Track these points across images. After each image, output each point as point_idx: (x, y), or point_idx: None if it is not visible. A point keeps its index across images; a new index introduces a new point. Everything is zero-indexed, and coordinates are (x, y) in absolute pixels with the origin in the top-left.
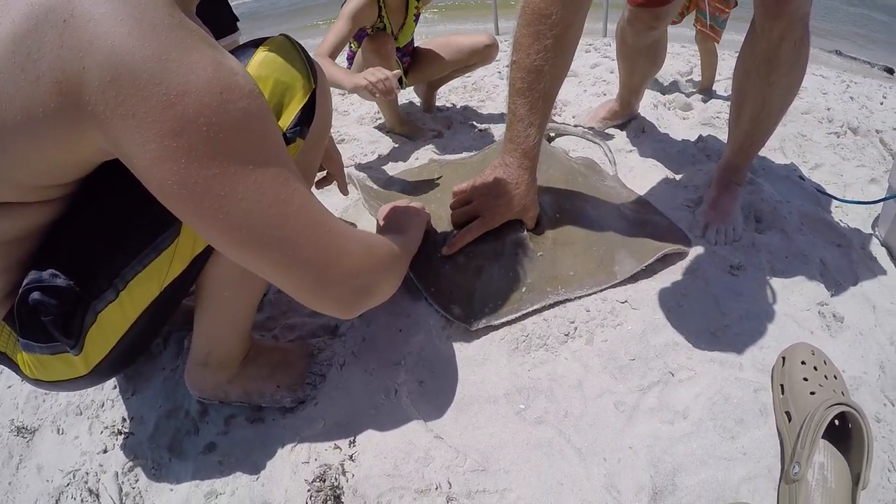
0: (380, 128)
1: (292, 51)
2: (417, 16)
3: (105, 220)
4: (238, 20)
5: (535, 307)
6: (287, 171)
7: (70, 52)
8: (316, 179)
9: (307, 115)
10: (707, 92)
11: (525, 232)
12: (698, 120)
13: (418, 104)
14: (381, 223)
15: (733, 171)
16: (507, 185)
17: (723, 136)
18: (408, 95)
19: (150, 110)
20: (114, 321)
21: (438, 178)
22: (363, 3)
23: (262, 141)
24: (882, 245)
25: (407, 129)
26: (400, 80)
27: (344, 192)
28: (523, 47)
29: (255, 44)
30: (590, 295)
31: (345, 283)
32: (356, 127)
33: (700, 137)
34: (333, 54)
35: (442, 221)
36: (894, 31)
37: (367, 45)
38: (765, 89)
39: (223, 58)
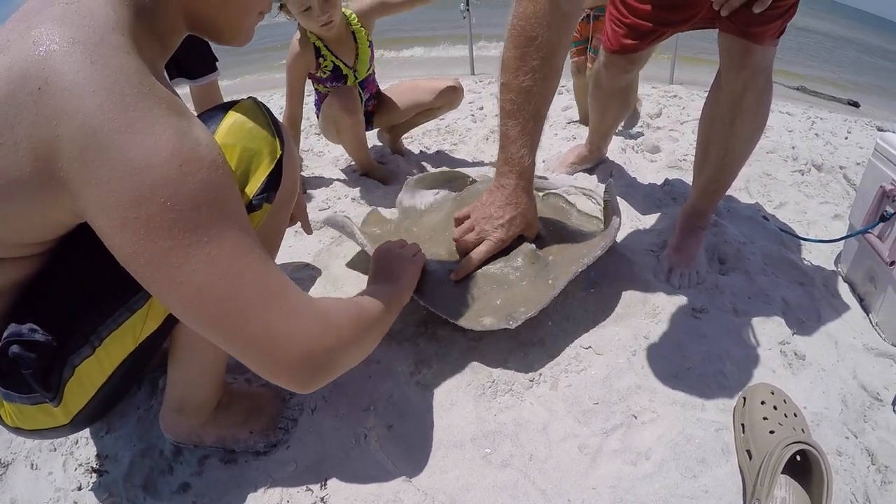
0: (353, 170)
1: (260, 116)
2: (371, 43)
3: (81, 279)
4: (217, 60)
5: (563, 286)
6: (244, 242)
7: (45, 119)
8: None
9: (274, 180)
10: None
11: (530, 243)
12: (665, 163)
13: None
14: (372, 267)
15: (697, 215)
16: (504, 209)
17: (689, 178)
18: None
19: (113, 180)
20: (91, 374)
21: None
22: (293, 54)
23: (220, 212)
24: (844, 280)
25: (380, 173)
26: (369, 122)
27: (308, 231)
28: (511, 69)
29: (225, 108)
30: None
31: (297, 362)
32: (330, 169)
33: (666, 181)
34: (293, 121)
35: (439, 251)
36: (861, 66)
37: (333, 101)
38: (728, 137)
39: (189, 127)
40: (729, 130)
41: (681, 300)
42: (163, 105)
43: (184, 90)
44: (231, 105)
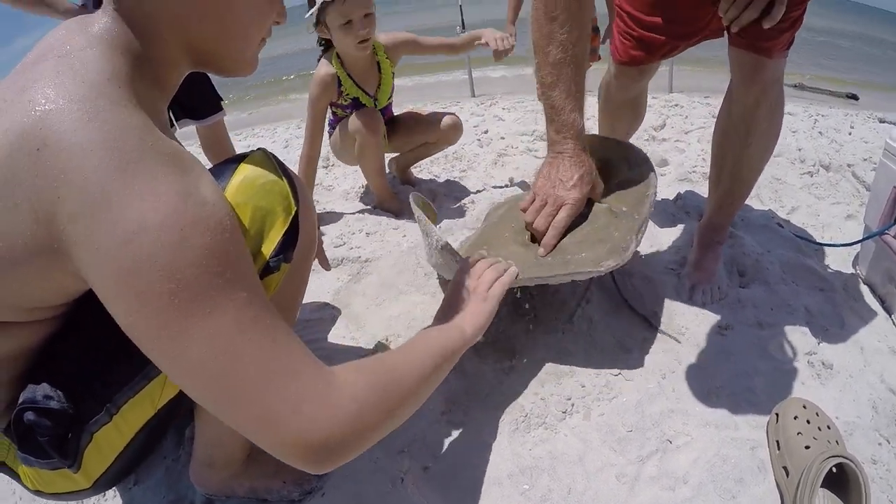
0: (365, 202)
1: (271, 169)
2: (393, 74)
3: (94, 345)
4: (222, 99)
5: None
6: (249, 313)
7: (45, 181)
8: None
9: (291, 238)
10: None
11: (601, 203)
12: (675, 175)
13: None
14: (444, 301)
15: (714, 229)
16: (571, 170)
17: (700, 189)
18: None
19: (109, 246)
20: (111, 440)
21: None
22: (317, 92)
23: (224, 280)
24: (864, 283)
25: (394, 204)
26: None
27: (326, 267)
28: (541, 48)
29: (234, 161)
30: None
31: (305, 447)
32: (341, 202)
33: (678, 195)
34: (314, 147)
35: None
36: (858, 55)
37: (357, 119)
38: (743, 150)
39: (195, 184)
40: (743, 143)
41: (705, 318)
42: (166, 161)
43: (190, 129)
44: (241, 158)
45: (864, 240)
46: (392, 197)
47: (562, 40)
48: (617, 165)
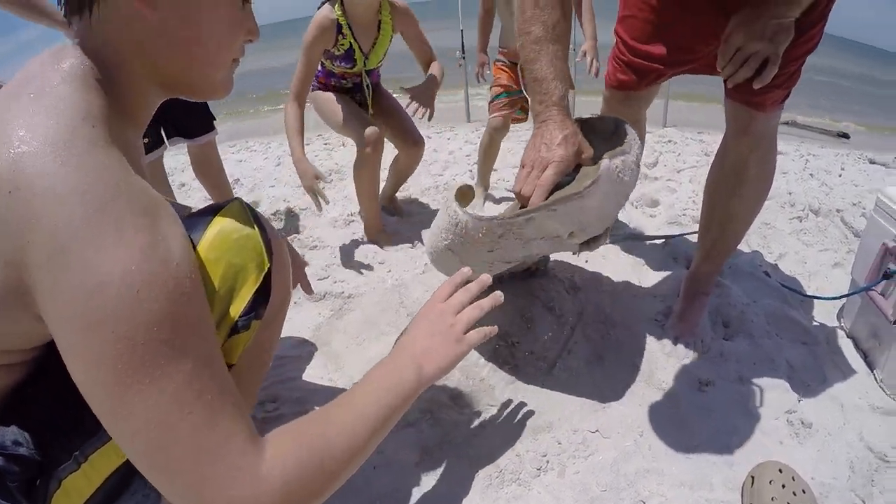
0: (353, 232)
1: (247, 222)
2: (392, 38)
3: (65, 392)
4: (215, 119)
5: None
6: (194, 384)
7: (16, 225)
8: None
9: (263, 294)
10: None
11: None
12: (665, 218)
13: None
14: (408, 331)
15: (701, 280)
16: (555, 132)
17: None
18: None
19: (69, 299)
20: (79, 487)
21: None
22: (314, 34)
23: (173, 347)
24: (848, 336)
25: (383, 237)
26: (366, 107)
27: (309, 291)
28: (524, 31)
29: (212, 211)
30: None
31: None
32: (328, 230)
33: (667, 241)
34: (302, 96)
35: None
36: (849, 93)
37: (366, 133)
38: (733, 201)
39: (162, 236)
40: (734, 194)
41: (686, 372)
42: (136, 210)
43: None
44: (217, 209)
45: (849, 295)
46: (380, 228)
47: (543, 20)
48: (604, 136)
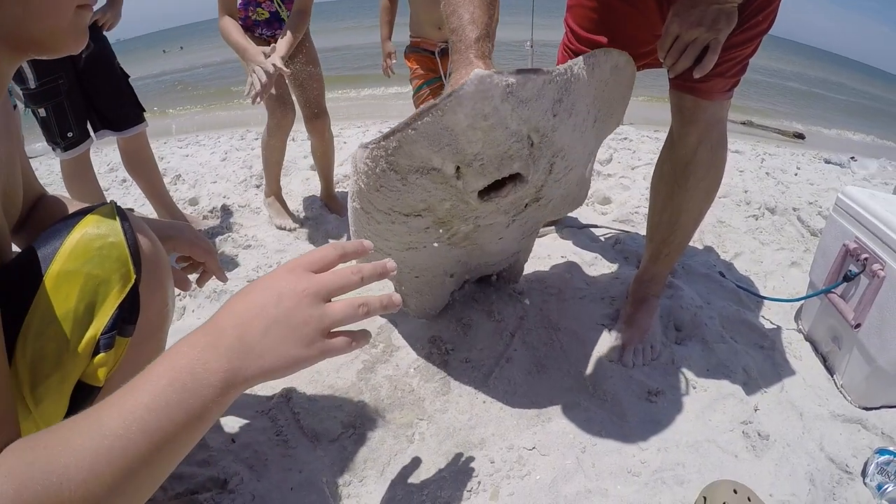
0: (291, 232)
1: (113, 230)
2: None
3: None
4: (144, 111)
5: None
6: None
7: None
8: (194, 277)
9: (129, 310)
10: None
11: None
12: (616, 215)
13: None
14: (259, 297)
15: (650, 282)
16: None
17: (642, 231)
18: (314, 188)
19: None
20: None
21: None
22: None
23: None
24: (806, 339)
25: (288, 221)
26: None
27: (223, 279)
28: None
29: (82, 212)
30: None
31: None
32: (265, 229)
33: (617, 239)
34: (231, 7)
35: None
36: (804, 95)
37: (276, 100)
38: (681, 195)
39: None
40: (682, 188)
41: (634, 382)
42: None
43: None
44: (88, 211)
45: (809, 297)
46: (285, 210)
47: None
48: None
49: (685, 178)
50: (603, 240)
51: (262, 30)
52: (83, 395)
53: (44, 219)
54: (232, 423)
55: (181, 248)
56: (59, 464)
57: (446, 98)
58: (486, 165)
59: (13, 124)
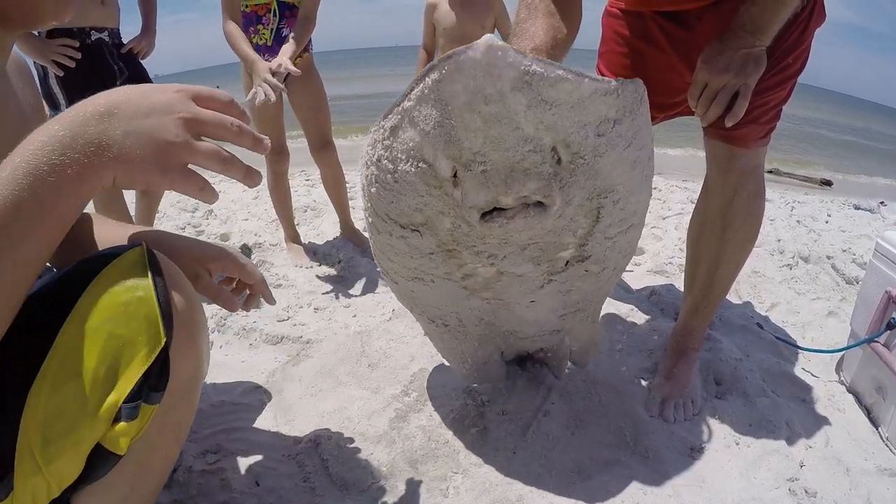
0: (320, 271)
1: (145, 284)
2: None
3: None
4: None
5: None
6: None
7: None
8: (241, 300)
9: (157, 377)
10: None
11: None
12: (650, 266)
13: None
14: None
15: (689, 335)
16: None
17: (677, 283)
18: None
19: None
20: None
21: None
22: None
23: None
24: (848, 391)
25: (301, 259)
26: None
27: (271, 301)
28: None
29: (105, 258)
30: None
31: None
32: (295, 270)
33: (653, 290)
34: (234, 12)
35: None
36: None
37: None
38: (720, 245)
39: None
40: (720, 239)
41: (676, 437)
42: None
43: None
44: (113, 256)
45: (851, 347)
46: (303, 251)
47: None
48: None
49: (722, 229)
50: (638, 291)
51: (266, 56)
52: (102, 460)
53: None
54: (257, 466)
55: (230, 270)
56: None
57: (446, 59)
58: (490, 175)
59: (36, 118)
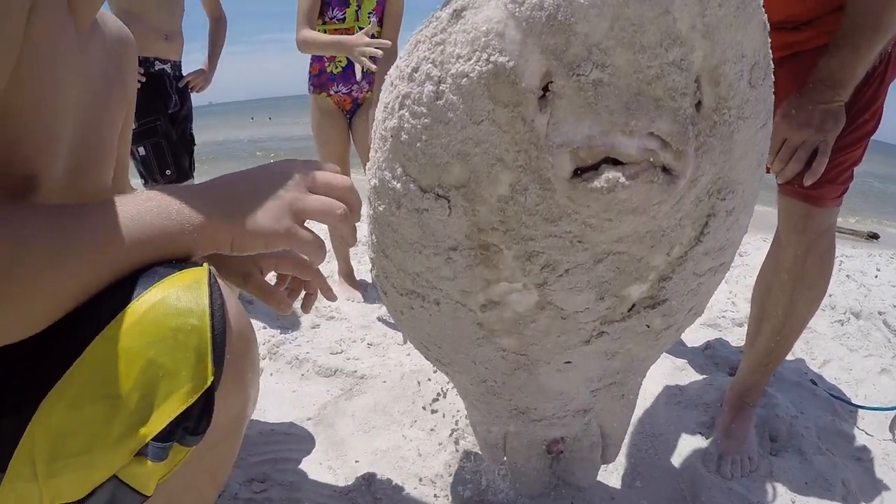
0: (374, 306)
1: (200, 311)
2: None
3: None
4: (193, 172)
5: None
6: None
7: None
8: (301, 299)
9: (197, 419)
10: None
11: None
12: (703, 320)
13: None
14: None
15: (748, 391)
16: None
17: (729, 337)
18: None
19: None
20: None
21: None
22: None
23: None
24: None
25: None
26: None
27: (332, 297)
28: None
29: (169, 268)
30: None
31: None
32: (349, 303)
33: (707, 343)
34: (311, 24)
35: None
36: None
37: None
38: (788, 304)
39: None
40: (788, 299)
41: (734, 494)
42: None
43: None
44: (175, 268)
45: None
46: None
47: None
48: None
49: (792, 288)
50: (692, 345)
51: (339, 86)
52: (124, 496)
53: None
54: (306, 500)
55: (286, 268)
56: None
57: None
58: (606, 91)
59: (123, 93)
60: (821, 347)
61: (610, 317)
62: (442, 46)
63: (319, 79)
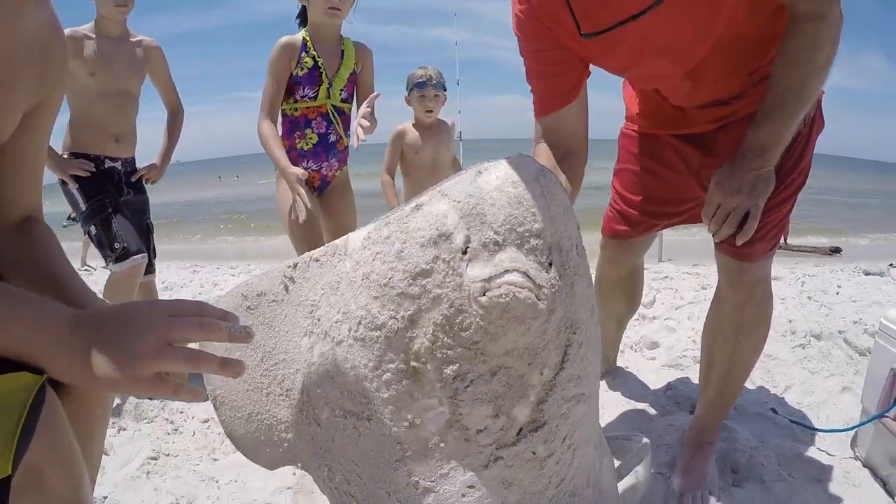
0: None
1: (8, 432)
2: (354, 73)
3: None
4: (154, 261)
5: None
6: None
7: None
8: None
9: None
10: None
11: None
12: (665, 360)
13: None
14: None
15: (705, 430)
16: None
17: (692, 375)
18: None
19: None
20: None
21: None
22: (278, 50)
23: None
24: (864, 466)
25: None
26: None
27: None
28: None
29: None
30: None
31: None
32: None
33: (668, 384)
34: (273, 113)
35: None
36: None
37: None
38: (732, 350)
39: None
40: (732, 344)
41: None
42: None
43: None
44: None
45: (861, 425)
46: None
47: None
48: None
49: (735, 335)
50: (654, 387)
51: (309, 163)
52: None
53: (26, 260)
54: None
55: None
56: None
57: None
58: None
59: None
60: (782, 373)
61: (503, 440)
62: (406, 224)
63: (289, 155)
